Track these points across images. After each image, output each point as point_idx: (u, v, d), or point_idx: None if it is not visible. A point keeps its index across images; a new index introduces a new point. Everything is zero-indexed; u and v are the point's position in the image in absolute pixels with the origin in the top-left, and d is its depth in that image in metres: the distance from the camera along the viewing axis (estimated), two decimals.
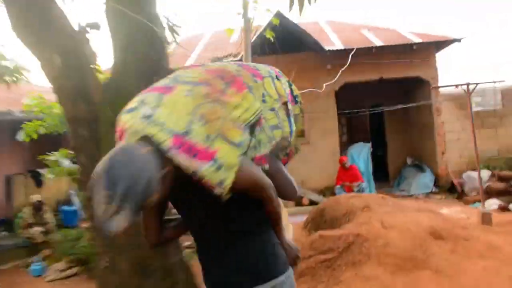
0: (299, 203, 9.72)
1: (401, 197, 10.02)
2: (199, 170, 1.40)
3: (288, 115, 1.80)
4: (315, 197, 9.81)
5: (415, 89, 10.50)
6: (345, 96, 10.13)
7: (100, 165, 1.31)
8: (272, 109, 1.71)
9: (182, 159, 1.40)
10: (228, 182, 1.43)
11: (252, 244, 1.64)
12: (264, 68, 1.83)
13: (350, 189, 9.10)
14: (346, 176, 9.34)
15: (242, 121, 1.53)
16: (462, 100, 10.24)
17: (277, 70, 1.91)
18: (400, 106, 10.18)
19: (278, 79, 1.83)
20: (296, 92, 1.95)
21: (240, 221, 1.64)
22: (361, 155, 9.94)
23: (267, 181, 1.59)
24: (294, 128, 1.84)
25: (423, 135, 10.69)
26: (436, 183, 10.12)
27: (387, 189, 10.82)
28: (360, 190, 9.02)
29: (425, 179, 10.11)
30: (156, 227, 1.71)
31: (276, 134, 1.71)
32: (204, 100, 1.49)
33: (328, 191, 10.06)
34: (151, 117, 1.45)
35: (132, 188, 1.27)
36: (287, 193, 1.79)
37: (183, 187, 1.54)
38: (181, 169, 1.42)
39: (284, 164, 1.88)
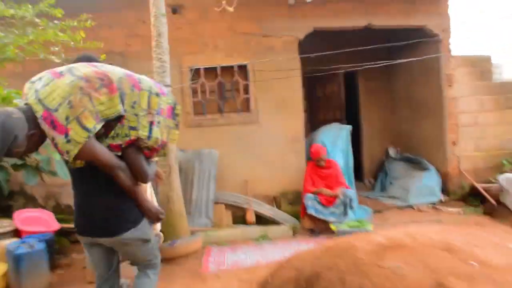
0: (241, 218, 5.98)
1: (396, 209, 6.58)
2: (56, 138, 2.04)
3: (151, 123, 2.28)
4: (265, 209, 6.11)
5: (416, 48, 6.99)
6: (312, 50, 6.47)
7: None
8: (136, 115, 2.24)
9: (46, 128, 2.03)
10: (72, 153, 2.06)
11: (108, 200, 2.30)
12: (147, 84, 2.33)
13: (329, 201, 5.47)
14: (322, 177, 5.70)
15: (101, 115, 2.11)
16: (484, 66, 6.97)
17: (164, 89, 2.43)
18: (401, 61, 6.64)
19: (157, 96, 2.32)
20: (178, 111, 2.48)
21: (99, 182, 2.29)
22: (337, 143, 6.36)
23: (113, 160, 2.21)
24: (154, 134, 2.29)
25: (422, 116, 7.30)
26: (443, 188, 6.80)
27: (364, 193, 7.36)
28: (346, 204, 5.43)
29: (429, 182, 6.75)
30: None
31: (132, 133, 2.26)
32: (78, 91, 2.06)
33: (286, 200, 6.38)
34: (38, 92, 2.06)
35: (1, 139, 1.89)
36: (138, 176, 2.31)
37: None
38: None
39: (148, 157, 2.38)
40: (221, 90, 6.40)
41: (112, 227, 2.28)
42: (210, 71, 6.30)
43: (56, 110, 1.98)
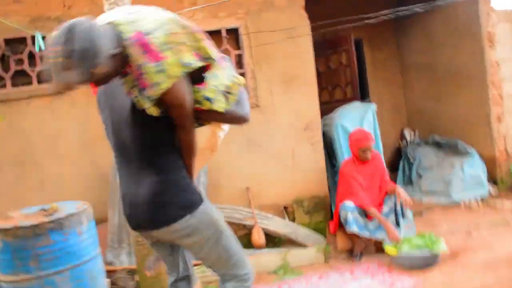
0: (245, 240, 4.29)
1: (439, 208, 5.12)
2: (144, 64, 1.59)
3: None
4: (277, 225, 4.45)
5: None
6: (314, 14, 4.84)
7: (64, 24, 1.50)
8: (215, 86, 1.82)
9: (134, 51, 1.59)
10: (163, 86, 1.61)
11: (155, 180, 1.76)
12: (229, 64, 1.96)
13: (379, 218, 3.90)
14: (367, 177, 4.14)
15: (200, 53, 1.74)
16: None
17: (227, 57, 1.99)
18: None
19: (237, 79, 1.93)
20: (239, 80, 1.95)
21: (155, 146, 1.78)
22: (364, 127, 4.78)
23: (190, 107, 1.73)
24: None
25: (453, 88, 5.85)
26: (488, 177, 5.41)
27: None
28: (397, 211, 3.92)
29: (474, 170, 5.31)
30: None
31: (205, 104, 1.80)
32: (177, 24, 1.70)
33: (301, 209, 4.75)
34: (126, 15, 1.66)
35: (87, 51, 1.47)
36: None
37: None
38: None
39: None
40: None
41: (159, 215, 1.77)
42: None
43: (150, 33, 1.60)
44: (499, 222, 4.45)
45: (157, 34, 1.61)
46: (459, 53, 5.64)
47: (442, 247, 3.43)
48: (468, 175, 5.26)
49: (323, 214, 4.83)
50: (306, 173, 4.71)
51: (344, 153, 4.71)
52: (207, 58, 1.75)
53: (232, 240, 1.90)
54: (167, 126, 1.76)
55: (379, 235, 3.87)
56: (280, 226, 4.44)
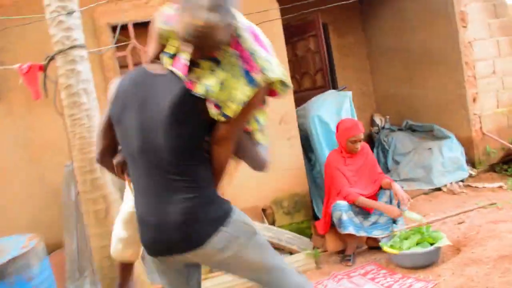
0: None
1: (423, 195, 4.90)
2: (256, 51, 1.52)
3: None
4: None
5: None
6: None
7: None
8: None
9: (247, 35, 1.54)
10: (270, 76, 1.50)
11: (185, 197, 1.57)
12: None
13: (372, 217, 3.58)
14: (356, 172, 3.80)
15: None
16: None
17: None
18: None
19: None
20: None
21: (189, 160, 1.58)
22: (342, 116, 4.44)
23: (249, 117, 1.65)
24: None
25: (426, 71, 5.64)
26: (466, 158, 5.25)
27: None
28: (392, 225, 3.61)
29: (453, 153, 5.13)
30: (110, 143, 1.74)
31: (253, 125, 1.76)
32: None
33: (281, 210, 4.35)
34: None
35: (231, 8, 1.44)
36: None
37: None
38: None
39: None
40: None
41: (195, 233, 1.57)
42: (145, 28, 3.98)
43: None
44: (485, 204, 4.26)
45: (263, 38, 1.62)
46: (432, 35, 5.41)
47: (444, 241, 3.14)
48: (447, 158, 5.07)
49: (304, 214, 4.47)
50: (284, 171, 4.32)
51: (323, 146, 4.35)
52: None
53: (263, 239, 1.73)
54: (207, 133, 1.60)
55: (377, 233, 3.54)
56: (261, 231, 4.02)
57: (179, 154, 1.56)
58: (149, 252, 1.69)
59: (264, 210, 4.34)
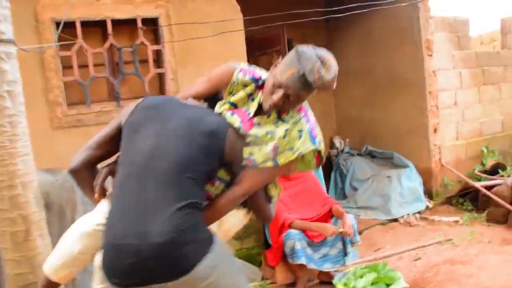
0: None
1: (380, 225, 4.75)
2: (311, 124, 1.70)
3: None
4: None
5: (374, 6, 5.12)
6: (249, 5, 4.22)
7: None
8: None
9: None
10: (319, 147, 1.69)
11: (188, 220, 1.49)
12: None
13: (316, 235, 3.36)
14: (294, 196, 3.60)
15: None
16: (462, 31, 5.51)
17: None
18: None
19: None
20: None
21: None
22: None
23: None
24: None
25: (390, 96, 5.55)
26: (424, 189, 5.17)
27: None
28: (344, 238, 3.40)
29: (411, 183, 5.04)
30: (101, 155, 1.75)
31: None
32: None
33: (233, 237, 4.06)
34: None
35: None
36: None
37: None
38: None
39: None
40: (114, 61, 3.76)
41: (182, 258, 1.45)
42: (95, 28, 3.62)
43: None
44: (442, 240, 4.16)
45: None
46: (398, 60, 5.35)
47: (401, 283, 2.95)
48: (406, 188, 4.98)
49: (255, 239, 4.20)
50: None
51: None
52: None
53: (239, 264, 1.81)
54: (220, 169, 1.64)
55: (328, 266, 3.32)
56: None
57: (186, 166, 1.54)
58: (119, 282, 1.49)
59: None
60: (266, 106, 1.64)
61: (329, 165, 6.18)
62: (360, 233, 4.54)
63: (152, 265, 1.43)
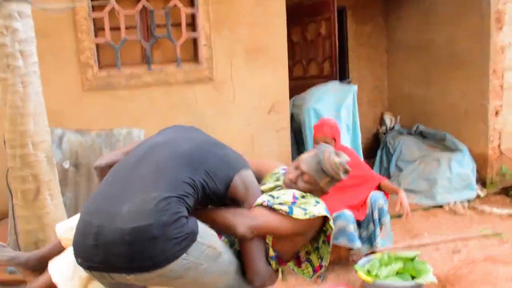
0: None
1: (420, 210, 4.42)
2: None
3: None
4: None
5: None
6: None
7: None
8: None
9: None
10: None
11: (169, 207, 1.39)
12: None
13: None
14: (339, 188, 3.29)
15: None
16: None
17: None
18: None
19: None
20: None
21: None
22: (341, 112, 3.96)
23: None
24: None
25: (447, 73, 5.07)
26: (477, 177, 4.72)
27: None
28: (374, 221, 3.17)
29: (463, 169, 4.61)
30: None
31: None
32: None
33: None
34: None
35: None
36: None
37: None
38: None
39: None
40: (147, 24, 3.69)
41: (148, 252, 1.34)
42: None
43: None
44: (489, 233, 3.78)
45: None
46: (459, 34, 4.80)
47: (429, 278, 2.69)
48: (455, 174, 4.55)
49: None
50: None
51: None
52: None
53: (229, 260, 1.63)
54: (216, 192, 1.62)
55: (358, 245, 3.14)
56: None
57: (189, 161, 1.54)
58: (80, 262, 1.45)
59: None
60: (284, 180, 1.83)
61: (376, 143, 5.86)
62: (398, 216, 4.31)
63: (111, 252, 1.34)
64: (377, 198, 3.15)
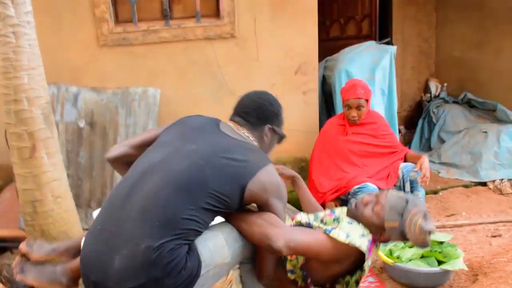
0: None
1: (461, 187, 4.04)
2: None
3: None
4: None
5: None
6: None
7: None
8: None
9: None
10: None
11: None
12: None
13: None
14: (362, 148, 3.02)
15: None
16: None
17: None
18: None
19: None
20: None
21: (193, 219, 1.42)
22: (375, 75, 3.59)
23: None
24: None
25: (504, 35, 4.51)
26: None
27: None
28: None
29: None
30: (133, 154, 1.75)
31: None
32: None
33: None
34: None
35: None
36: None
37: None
38: None
39: None
40: None
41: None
42: None
43: None
44: None
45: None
46: None
47: (459, 265, 2.39)
48: (504, 148, 4.09)
49: (307, 184, 3.82)
50: (292, 131, 3.61)
51: None
52: None
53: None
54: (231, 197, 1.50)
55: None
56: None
57: (187, 191, 1.44)
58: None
59: None
60: (357, 200, 1.83)
61: (419, 112, 5.41)
62: (435, 193, 3.96)
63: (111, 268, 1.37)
64: (409, 169, 2.84)
